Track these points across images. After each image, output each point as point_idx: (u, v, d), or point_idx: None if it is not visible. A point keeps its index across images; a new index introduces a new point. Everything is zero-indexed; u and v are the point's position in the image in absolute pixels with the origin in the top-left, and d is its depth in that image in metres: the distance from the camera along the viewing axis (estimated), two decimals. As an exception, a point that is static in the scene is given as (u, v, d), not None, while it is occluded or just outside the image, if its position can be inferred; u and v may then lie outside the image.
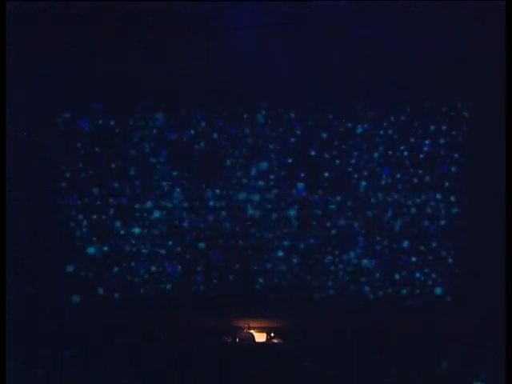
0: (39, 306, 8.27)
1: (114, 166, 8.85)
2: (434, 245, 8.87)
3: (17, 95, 7.64)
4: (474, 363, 6.49)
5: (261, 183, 8.96)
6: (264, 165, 8.92)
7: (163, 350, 6.87)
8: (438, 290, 8.86)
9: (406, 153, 8.84)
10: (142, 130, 8.86)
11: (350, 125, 8.84)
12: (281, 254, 8.97)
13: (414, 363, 6.54)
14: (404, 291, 8.91)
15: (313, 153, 8.88)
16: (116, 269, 8.95)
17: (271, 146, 8.90)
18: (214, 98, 8.62)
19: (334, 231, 8.94)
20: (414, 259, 8.92)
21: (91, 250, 8.88)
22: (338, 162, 8.88)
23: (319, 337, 7.50)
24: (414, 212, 8.86)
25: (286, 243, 8.97)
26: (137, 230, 8.93)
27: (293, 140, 8.89)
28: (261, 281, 8.99)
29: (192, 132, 8.87)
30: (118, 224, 8.92)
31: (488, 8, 7.18)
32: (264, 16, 7.69)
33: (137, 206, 8.92)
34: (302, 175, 8.91)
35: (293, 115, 8.87)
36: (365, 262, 8.93)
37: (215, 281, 8.99)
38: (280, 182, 8.96)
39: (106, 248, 8.93)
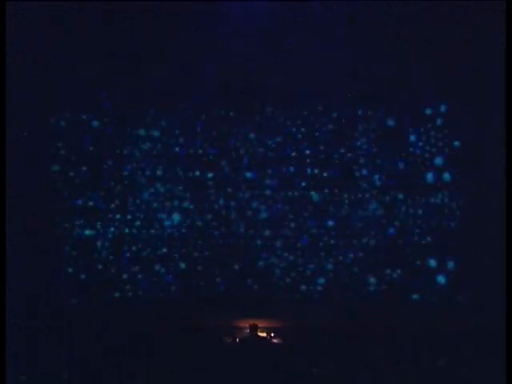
0: (39, 305, 8.27)
1: (115, 166, 8.86)
2: (432, 244, 8.89)
3: (17, 95, 7.64)
4: (474, 363, 6.50)
5: (261, 183, 8.97)
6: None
7: (163, 350, 6.88)
8: (438, 290, 8.86)
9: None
10: (143, 131, 8.87)
11: (349, 124, 8.86)
12: (280, 253, 8.99)
13: (413, 363, 6.55)
14: (404, 291, 8.90)
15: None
16: (116, 269, 8.96)
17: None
18: (214, 98, 8.63)
19: (332, 230, 8.96)
20: (413, 259, 8.93)
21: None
22: (338, 160, 8.92)
23: (319, 337, 7.51)
24: (412, 212, 8.89)
25: (284, 242, 9.00)
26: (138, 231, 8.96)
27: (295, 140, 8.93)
28: (261, 281, 9.00)
29: (191, 132, 8.88)
30: (118, 224, 8.95)
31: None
32: (266, 16, 7.73)
33: (139, 207, 8.94)
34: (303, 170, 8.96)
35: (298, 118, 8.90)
36: (364, 261, 8.94)
37: (215, 281, 9.00)
38: (279, 181, 8.99)
39: (105, 248, 8.96)
